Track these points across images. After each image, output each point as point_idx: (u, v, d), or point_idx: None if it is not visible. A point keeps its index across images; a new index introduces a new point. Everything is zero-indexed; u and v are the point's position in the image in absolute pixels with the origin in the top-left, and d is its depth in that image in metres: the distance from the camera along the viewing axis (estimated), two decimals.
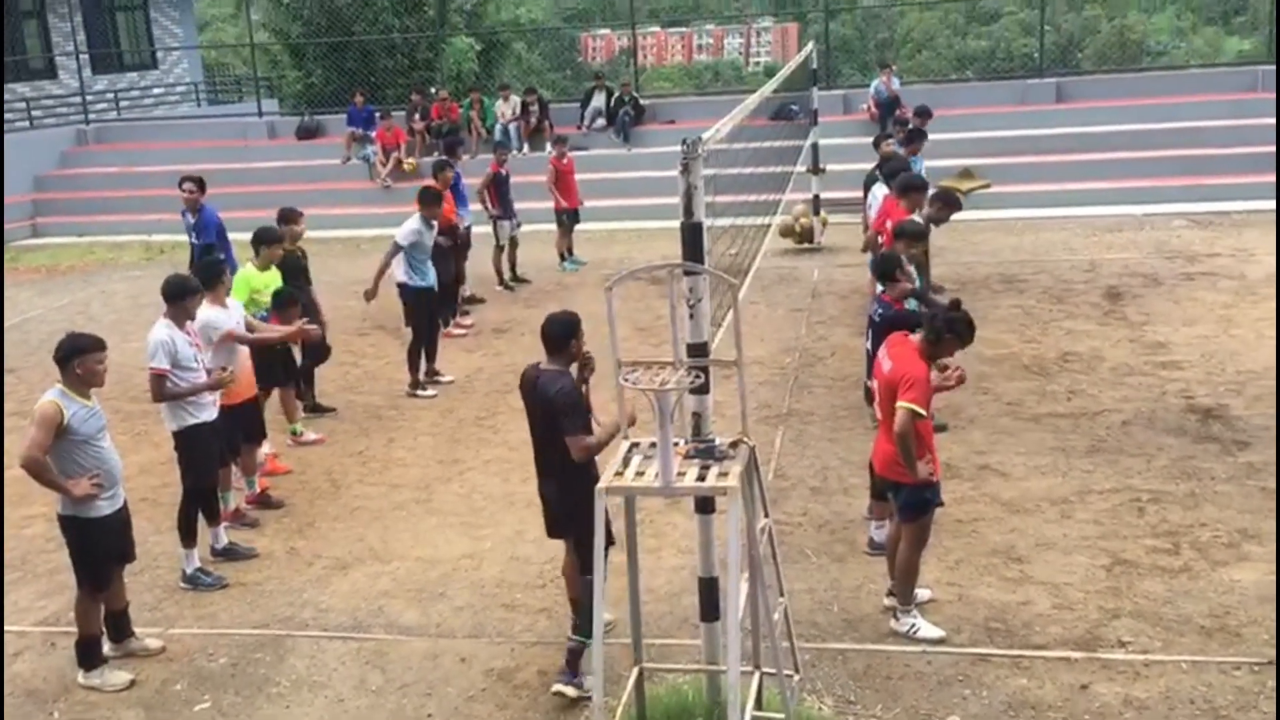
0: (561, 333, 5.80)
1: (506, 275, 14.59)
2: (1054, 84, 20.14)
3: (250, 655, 6.47)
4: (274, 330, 8.63)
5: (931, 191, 9.68)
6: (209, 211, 11.82)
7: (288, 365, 9.57)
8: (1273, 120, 17.49)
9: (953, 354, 6.25)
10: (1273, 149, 16.87)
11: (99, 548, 6.14)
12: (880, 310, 7.90)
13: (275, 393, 9.37)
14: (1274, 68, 19.19)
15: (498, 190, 14.16)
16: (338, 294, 13.26)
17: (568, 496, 5.86)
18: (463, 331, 12.64)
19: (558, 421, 5.69)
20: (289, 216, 10.16)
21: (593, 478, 5.34)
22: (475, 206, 14.06)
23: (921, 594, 6.54)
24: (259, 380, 8.52)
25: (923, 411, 5.94)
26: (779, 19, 78.67)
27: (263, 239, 9.33)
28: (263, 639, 6.63)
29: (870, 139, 14.12)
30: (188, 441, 7.23)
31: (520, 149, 19.78)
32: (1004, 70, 38.75)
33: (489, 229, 14.28)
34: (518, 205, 14.53)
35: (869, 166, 12.39)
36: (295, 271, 9.86)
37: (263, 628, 6.76)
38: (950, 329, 6.06)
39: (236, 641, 6.60)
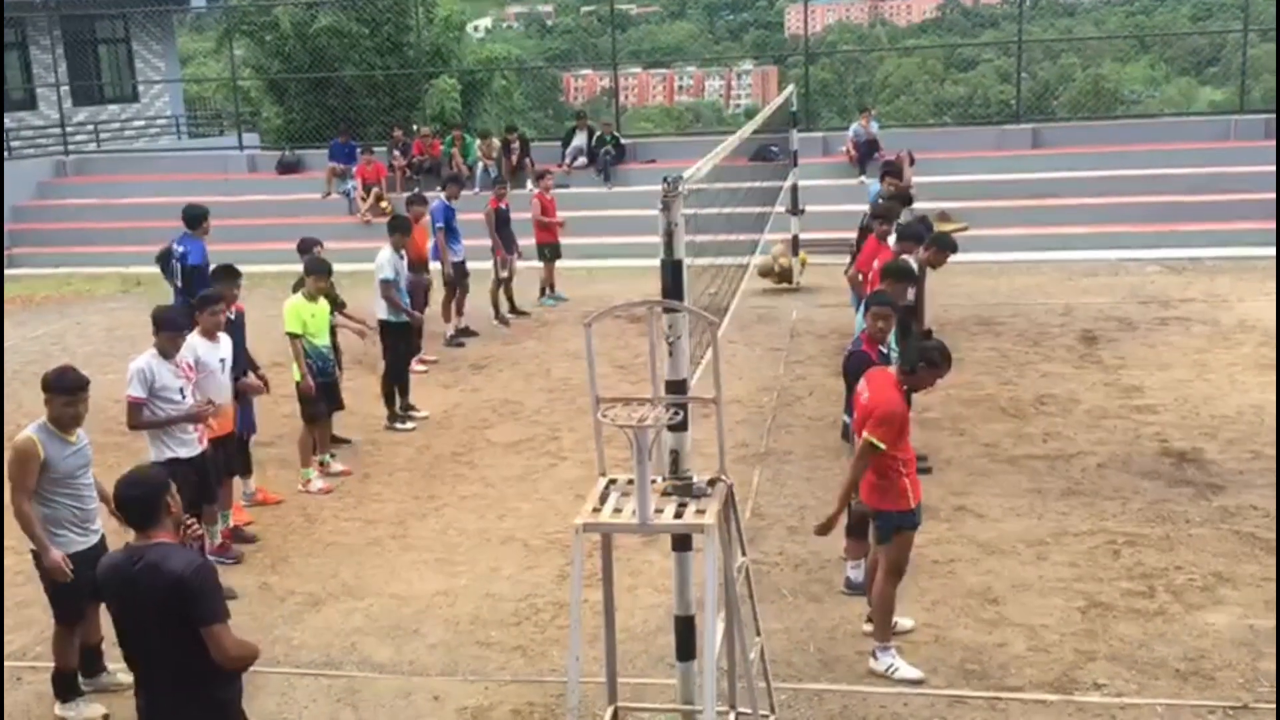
0: (152, 496, 4.36)
1: (505, 309, 14.62)
2: (1030, 130, 20.38)
3: None
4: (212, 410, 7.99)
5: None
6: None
7: (331, 398, 9.63)
8: (1246, 169, 17.79)
9: (932, 384, 6.26)
10: (1246, 197, 17.15)
11: (72, 583, 6.06)
12: (850, 348, 7.93)
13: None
14: (1246, 118, 19.54)
15: (498, 225, 14.25)
16: None
17: None
18: (424, 368, 12.46)
19: (188, 610, 4.17)
20: (306, 247, 10.35)
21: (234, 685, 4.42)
22: (469, 241, 14.11)
23: (905, 623, 6.56)
24: (309, 412, 9.25)
25: (881, 445, 5.97)
26: (759, 63, 79.65)
27: (311, 269, 9.45)
28: None
29: (850, 180, 14.23)
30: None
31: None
32: (981, 116, 39.21)
33: (482, 263, 14.33)
34: None
35: (848, 208, 12.47)
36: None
37: None
38: (924, 358, 6.08)
39: None
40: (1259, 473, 8.76)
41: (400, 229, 11.23)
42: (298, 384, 9.31)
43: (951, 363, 6.18)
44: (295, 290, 9.62)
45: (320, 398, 9.39)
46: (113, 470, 9.31)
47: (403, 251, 11.19)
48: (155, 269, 12.08)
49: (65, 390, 5.93)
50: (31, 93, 25.35)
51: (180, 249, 11.33)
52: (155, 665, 4.34)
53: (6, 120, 23.80)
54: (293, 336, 9.22)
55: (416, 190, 15.52)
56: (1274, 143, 18.12)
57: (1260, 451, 9.16)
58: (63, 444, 5.94)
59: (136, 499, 4.36)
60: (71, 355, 13.43)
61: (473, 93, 28.40)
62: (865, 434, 6.01)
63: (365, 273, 11.65)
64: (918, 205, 15.42)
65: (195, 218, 11.42)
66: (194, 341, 7.69)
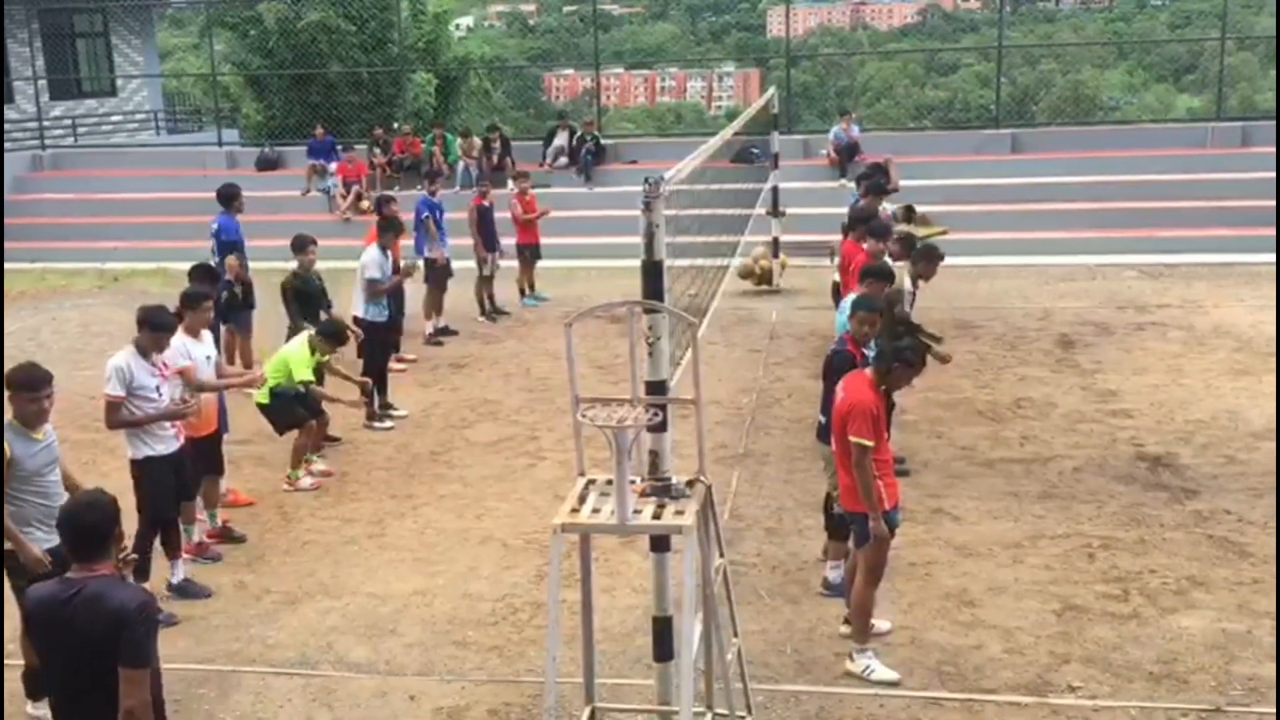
0: (108, 525, 4.04)
1: (488, 306, 14.66)
2: (1009, 135, 20.47)
3: (194, 691, 6.35)
4: (234, 379, 8.44)
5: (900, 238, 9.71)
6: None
7: (307, 405, 9.51)
8: (1222, 175, 17.95)
9: (908, 383, 6.32)
10: (1222, 204, 17.29)
11: (38, 581, 6.00)
12: (833, 348, 7.94)
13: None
14: (1223, 125, 19.70)
15: (481, 223, 14.22)
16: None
17: None
18: (403, 367, 12.40)
19: (120, 646, 3.90)
20: (300, 245, 10.38)
21: None
22: (453, 241, 14.07)
23: (882, 625, 6.58)
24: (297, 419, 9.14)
25: (869, 443, 6.00)
26: (741, 65, 79.77)
27: (327, 335, 9.46)
28: (207, 674, 6.51)
29: (830, 183, 14.23)
30: (143, 472, 7.12)
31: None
32: (961, 121, 39.39)
33: (465, 262, 14.30)
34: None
35: (828, 211, 12.50)
36: (313, 296, 10.29)
37: (208, 663, 6.63)
38: (898, 357, 6.14)
39: (180, 676, 6.46)
40: (1232, 477, 8.83)
41: (392, 230, 11.26)
42: (260, 405, 9.23)
43: (926, 362, 6.24)
44: (292, 335, 9.56)
45: (296, 403, 9.28)
46: (87, 467, 9.32)
47: (389, 252, 11.18)
48: (133, 265, 12.08)
49: (28, 386, 5.83)
50: (9, 86, 25.12)
51: (214, 225, 11.70)
52: (83, 705, 4.02)
53: None
54: (307, 383, 9.19)
55: (390, 191, 15.49)
56: (1248, 150, 18.32)
57: (1234, 456, 9.24)
58: (29, 441, 5.85)
59: (93, 526, 4.01)
60: (47, 351, 13.33)
61: (449, 89, 28.27)
62: (850, 439, 6.04)
63: (344, 270, 11.61)
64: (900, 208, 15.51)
65: (229, 195, 11.81)
66: (181, 340, 7.63)
